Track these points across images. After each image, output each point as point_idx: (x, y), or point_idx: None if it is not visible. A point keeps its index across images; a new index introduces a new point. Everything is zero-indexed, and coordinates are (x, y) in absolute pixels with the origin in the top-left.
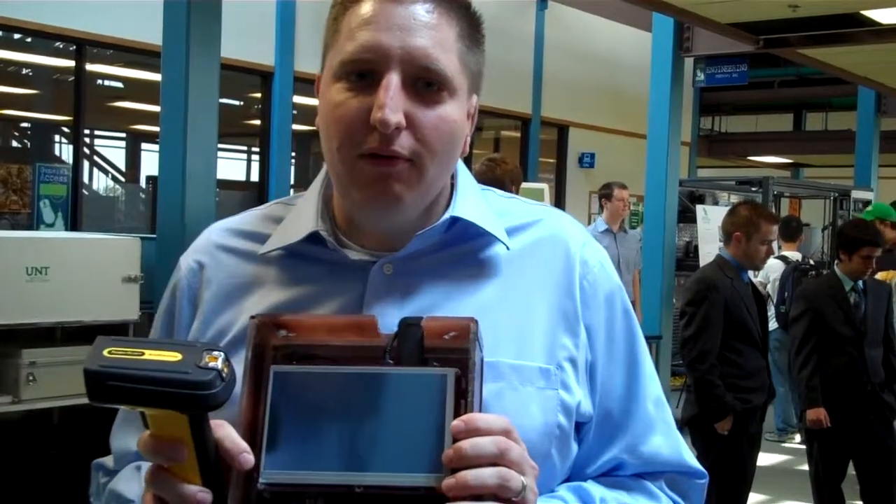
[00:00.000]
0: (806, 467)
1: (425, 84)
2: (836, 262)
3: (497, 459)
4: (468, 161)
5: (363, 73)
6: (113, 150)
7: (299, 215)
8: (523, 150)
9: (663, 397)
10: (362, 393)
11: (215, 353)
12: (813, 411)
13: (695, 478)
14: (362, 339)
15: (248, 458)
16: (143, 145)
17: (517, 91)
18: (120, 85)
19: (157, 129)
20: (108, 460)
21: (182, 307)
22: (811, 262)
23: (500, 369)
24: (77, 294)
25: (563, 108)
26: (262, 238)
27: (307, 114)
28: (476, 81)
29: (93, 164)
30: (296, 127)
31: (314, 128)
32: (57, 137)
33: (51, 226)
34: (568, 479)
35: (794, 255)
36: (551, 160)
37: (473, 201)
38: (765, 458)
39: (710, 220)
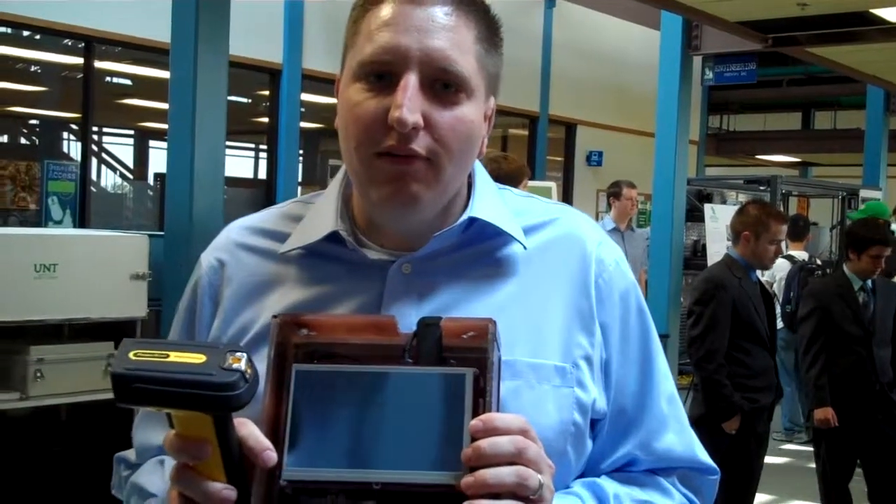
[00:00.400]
0: (813, 467)
1: (443, 85)
2: (844, 261)
3: (515, 458)
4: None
5: (382, 75)
6: (121, 147)
7: (319, 214)
8: (531, 148)
9: (676, 394)
10: (382, 391)
11: (238, 354)
12: (821, 411)
13: (707, 474)
14: (382, 339)
15: (272, 455)
16: (152, 142)
17: (525, 89)
18: (128, 82)
19: (165, 126)
20: (130, 454)
21: (203, 304)
22: (818, 261)
23: (517, 368)
24: (85, 291)
25: (570, 107)
26: (281, 237)
27: (315, 111)
28: (493, 83)
29: (101, 161)
30: (304, 124)
31: (322, 125)
32: (65, 134)
33: (59, 223)
34: (582, 475)
35: (801, 255)
36: (559, 158)
37: (491, 201)
38: (772, 458)
39: (718, 218)
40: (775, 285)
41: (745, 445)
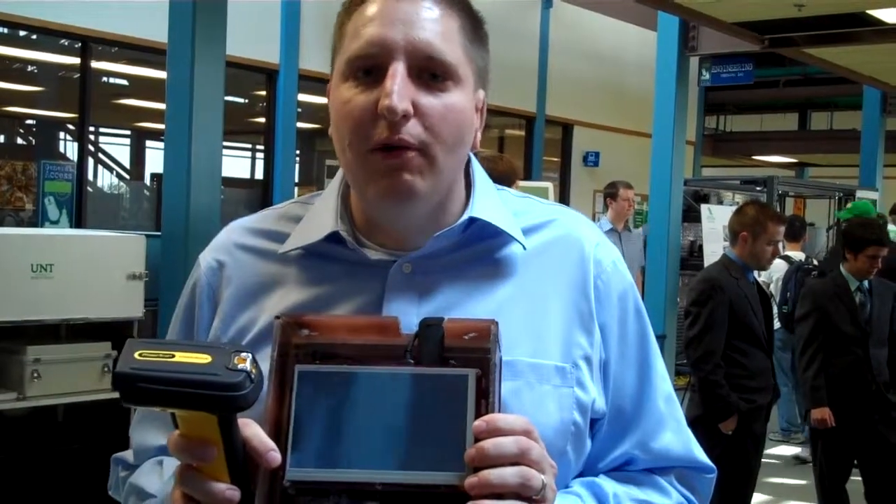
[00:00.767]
0: (810, 467)
1: (431, 76)
2: (841, 261)
3: (518, 459)
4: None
5: (369, 70)
6: (118, 147)
7: (318, 215)
8: (528, 148)
9: (673, 394)
10: (385, 392)
11: (243, 354)
12: (818, 411)
13: (704, 472)
14: (383, 339)
15: (276, 456)
16: (148, 143)
17: (522, 89)
18: (125, 82)
19: (162, 126)
20: (127, 455)
21: (202, 305)
22: (815, 262)
23: (518, 368)
24: (82, 291)
25: (567, 107)
26: (280, 237)
27: (312, 112)
28: (482, 77)
29: (98, 161)
30: (300, 125)
31: (319, 126)
32: (62, 135)
33: (56, 223)
34: (580, 475)
35: (798, 255)
36: (556, 159)
37: (491, 201)
38: (769, 458)
39: (715, 219)
40: (772, 286)
41: (742, 446)
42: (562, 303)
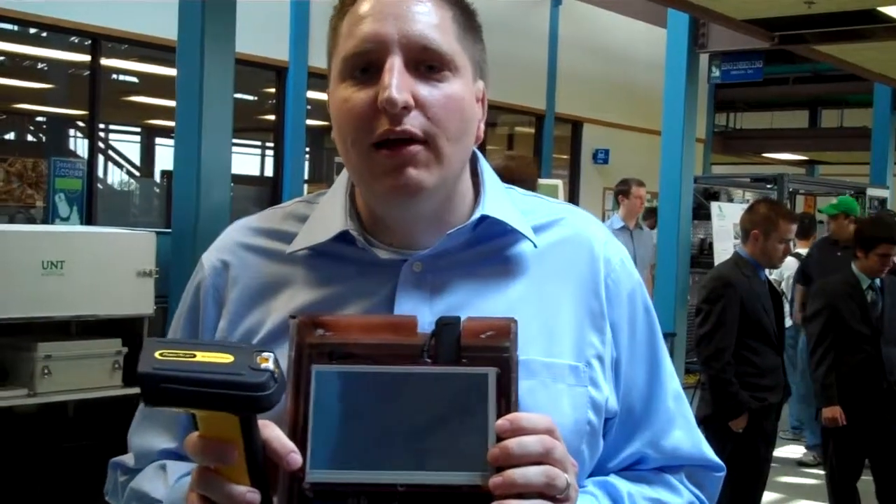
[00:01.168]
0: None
1: (428, 67)
2: (853, 259)
3: (542, 458)
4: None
5: (366, 68)
6: (128, 144)
7: (325, 214)
8: (537, 146)
9: (682, 392)
10: (404, 392)
11: (265, 354)
12: (829, 409)
13: (713, 470)
14: (399, 338)
15: (297, 458)
16: (158, 140)
17: (531, 87)
18: (135, 80)
19: (172, 123)
20: (127, 458)
21: (207, 306)
22: None
23: (532, 367)
24: (92, 288)
25: (577, 105)
26: (286, 237)
27: (321, 109)
28: (479, 68)
29: (108, 158)
30: (310, 122)
31: (328, 123)
32: (72, 132)
33: (66, 220)
34: (590, 474)
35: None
36: (565, 156)
37: (501, 199)
38: (779, 457)
39: (725, 217)
40: (783, 283)
41: (752, 444)
42: (573, 302)
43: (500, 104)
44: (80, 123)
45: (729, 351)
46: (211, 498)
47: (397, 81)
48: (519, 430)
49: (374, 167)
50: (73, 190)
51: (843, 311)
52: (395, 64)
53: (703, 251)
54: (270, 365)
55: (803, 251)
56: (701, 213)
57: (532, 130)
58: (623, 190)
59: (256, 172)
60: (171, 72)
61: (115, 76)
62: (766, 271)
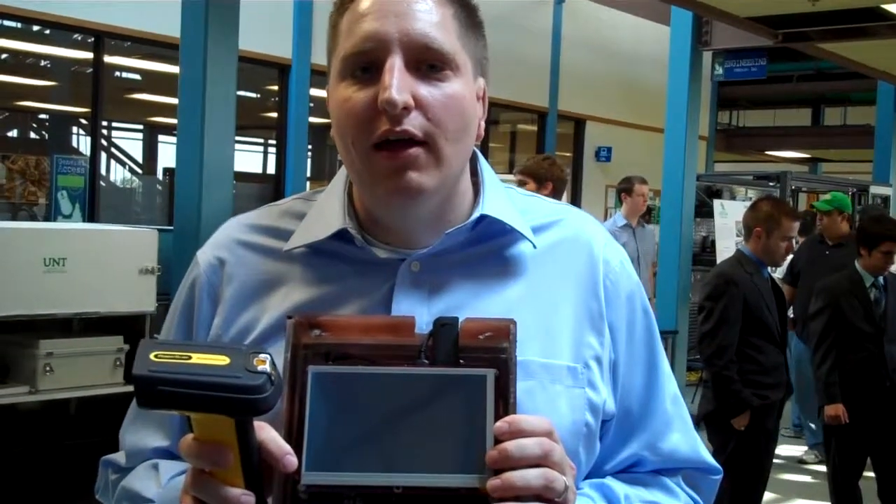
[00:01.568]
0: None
1: (429, 66)
2: (856, 257)
3: (541, 460)
4: (484, 153)
5: (366, 67)
6: (130, 141)
7: (323, 212)
8: (539, 143)
9: (680, 394)
10: (401, 393)
11: (262, 356)
12: (831, 407)
13: (710, 474)
14: (396, 339)
15: (293, 460)
16: (161, 137)
17: (534, 84)
18: (138, 77)
19: (174, 121)
20: (119, 457)
21: (202, 303)
22: None
23: (531, 368)
24: (94, 285)
25: (579, 102)
26: (283, 234)
27: (324, 107)
28: (480, 65)
29: (110, 155)
30: (313, 120)
31: (331, 120)
32: (75, 129)
33: (68, 217)
34: (586, 477)
35: None
36: (568, 154)
37: (500, 199)
38: (781, 454)
39: (728, 214)
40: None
41: (754, 442)
42: (572, 303)
43: (503, 102)
44: (83, 121)
45: (731, 348)
46: (205, 501)
47: (397, 82)
48: (518, 433)
49: (374, 169)
50: (76, 187)
51: (846, 309)
52: (395, 64)
53: (706, 249)
54: (267, 367)
55: None
56: (703, 211)
57: (535, 128)
58: (626, 187)
59: (259, 170)
60: (174, 69)
61: (117, 73)
62: (769, 268)
